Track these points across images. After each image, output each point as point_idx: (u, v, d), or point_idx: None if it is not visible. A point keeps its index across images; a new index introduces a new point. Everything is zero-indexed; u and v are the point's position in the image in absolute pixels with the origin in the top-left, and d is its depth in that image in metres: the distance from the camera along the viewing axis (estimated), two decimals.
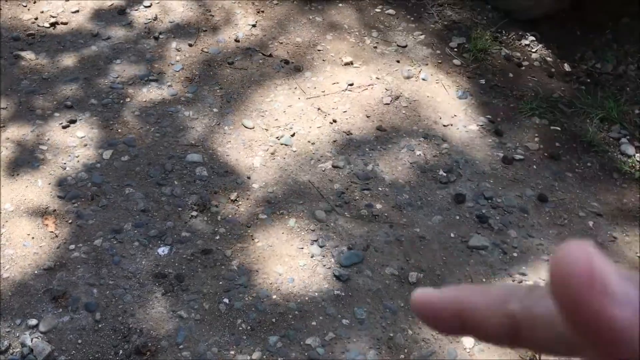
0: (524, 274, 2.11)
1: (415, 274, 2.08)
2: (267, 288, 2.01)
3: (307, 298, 2.00)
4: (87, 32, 2.88)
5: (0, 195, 2.19)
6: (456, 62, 2.89)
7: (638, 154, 2.55)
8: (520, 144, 2.56)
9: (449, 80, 2.80)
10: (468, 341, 1.93)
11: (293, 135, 2.51)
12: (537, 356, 1.90)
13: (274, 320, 1.93)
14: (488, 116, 2.65)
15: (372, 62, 2.85)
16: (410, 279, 2.07)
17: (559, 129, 2.64)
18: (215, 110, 2.59)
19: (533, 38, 3.05)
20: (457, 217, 2.27)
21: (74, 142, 2.39)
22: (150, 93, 2.62)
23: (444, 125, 2.60)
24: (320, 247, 2.14)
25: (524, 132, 2.61)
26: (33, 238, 2.08)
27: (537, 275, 2.11)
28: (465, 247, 2.18)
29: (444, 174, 2.41)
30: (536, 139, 2.59)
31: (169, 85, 2.66)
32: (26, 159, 2.31)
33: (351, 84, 2.74)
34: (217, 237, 2.14)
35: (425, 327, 1.93)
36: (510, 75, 2.87)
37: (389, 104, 2.67)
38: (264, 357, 1.85)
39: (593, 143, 2.57)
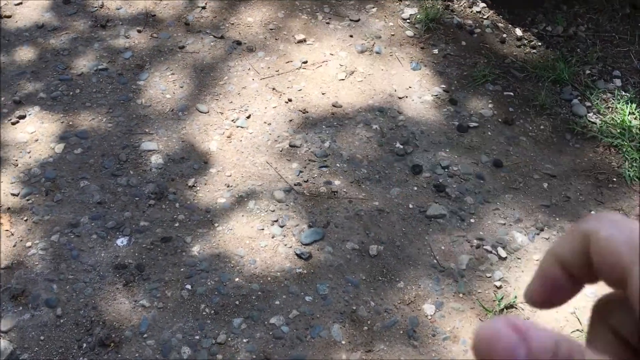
0: (481, 239, 2.15)
1: (375, 247, 2.10)
2: (229, 271, 2.02)
3: (269, 278, 2.01)
4: (32, 24, 2.80)
5: None
6: (409, 33, 2.89)
7: (589, 114, 2.59)
8: (474, 112, 2.58)
9: (402, 52, 2.80)
10: (429, 308, 1.97)
11: (249, 117, 2.49)
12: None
13: (237, 302, 1.95)
14: (442, 86, 2.67)
15: (325, 39, 2.84)
16: (371, 252, 2.09)
17: (512, 94, 2.67)
18: (168, 96, 2.56)
19: (484, 5, 3.07)
20: (415, 188, 2.30)
21: (24, 138, 2.35)
22: (101, 83, 2.58)
23: (399, 98, 2.61)
24: (281, 227, 2.15)
25: (477, 99, 2.64)
26: None
27: (495, 240, 2.15)
28: (424, 217, 2.21)
29: (401, 146, 2.43)
30: (490, 106, 2.61)
31: (119, 74, 2.62)
32: None
33: (305, 62, 2.72)
34: (177, 225, 2.13)
35: (387, 298, 1.97)
36: (463, 43, 2.88)
37: (344, 79, 2.67)
38: (229, 339, 1.86)
39: (545, 106, 2.60)
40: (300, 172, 2.32)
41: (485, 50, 2.85)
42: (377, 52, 2.79)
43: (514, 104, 2.63)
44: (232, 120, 2.48)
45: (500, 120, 2.56)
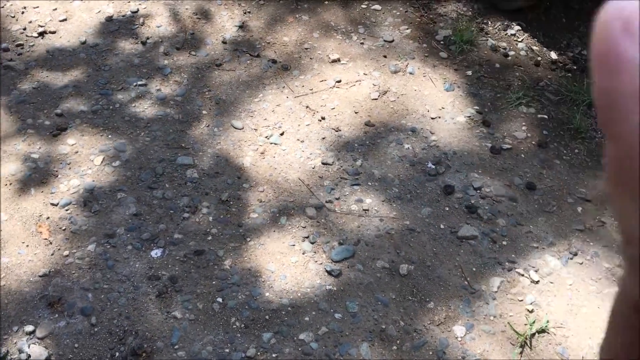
0: (513, 262, 2.13)
1: (406, 266, 2.10)
2: (260, 286, 2.04)
3: (299, 294, 2.03)
4: (75, 40, 2.90)
5: None
6: (443, 54, 2.91)
7: None
8: (508, 134, 2.58)
9: (435, 73, 2.82)
10: (459, 330, 1.95)
11: (282, 134, 2.53)
12: (529, 342, 1.93)
13: (267, 317, 1.96)
14: (475, 107, 2.67)
15: (359, 58, 2.87)
16: (401, 271, 2.09)
17: (546, 117, 2.66)
18: (204, 112, 2.61)
19: (519, 27, 3.07)
20: (447, 209, 2.29)
21: (65, 150, 2.42)
22: (140, 98, 2.65)
23: (432, 118, 2.62)
24: (312, 243, 2.16)
25: (511, 121, 2.63)
26: (27, 246, 2.11)
27: (527, 263, 2.13)
28: (455, 238, 2.20)
29: (433, 167, 2.43)
30: (524, 128, 2.60)
31: (157, 90, 2.69)
32: (18, 168, 2.34)
33: (339, 81, 2.76)
34: (209, 238, 2.17)
35: (417, 318, 1.96)
36: (497, 65, 2.89)
37: (376, 99, 2.69)
38: (258, 353, 1.87)
39: (580, 130, 2.58)
40: (332, 189, 2.34)
41: (519, 73, 2.85)
42: (411, 73, 2.81)
43: (548, 126, 2.62)
44: (266, 137, 2.51)
45: (534, 142, 2.55)
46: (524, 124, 2.62)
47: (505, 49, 2.97)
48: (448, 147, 2.51)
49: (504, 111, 2.67)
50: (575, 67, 2.91)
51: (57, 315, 1.94)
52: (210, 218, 2.23)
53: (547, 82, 2.81)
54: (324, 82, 2.76)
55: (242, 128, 2.55)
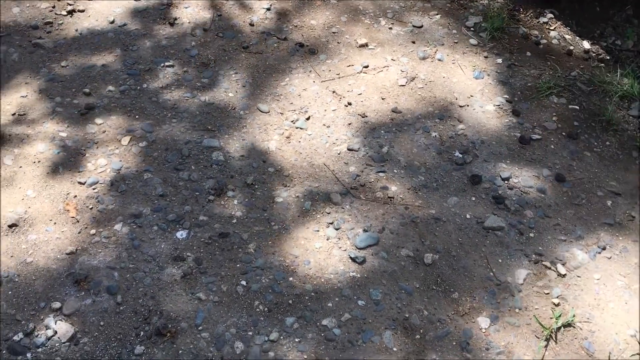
0: (540, 255, 2.10)
1: (430, 255, 2.09)
2: (284, 270, 2.04)
3: (323, 280, 2.02)
4: (103, 19, 2.90)
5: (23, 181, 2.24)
6: (473, 41, 2.86)
7: None
8: (537, 124, 2.53)
9: (465, 60, 2.77)
10: (484, 321, 1.93)
11: (308, 118, 2.51)
12: (554, 336, 1.91)
13: (290, 301, 1.96)
14: (505, 96, 2.63)
15: (387, 44, 2.83)
16: (426, 261, 2.08)
17: (577, 107, 2.60)
18: (230, 94, 2.60)
19: (551, 15, 3.00)
20: (473, 199, 2.27)
21: (92, 129, 2.43)
22: (167, 79, 2.65)
23: (460, 106, 2.58)
24: (336, 229, 2.15)
25: (541, 111, 2.58)
26: (55, 223, 2.13)
27: (554, 256, 2.10)
28: (481, 228, 2.17)
29: (460, 155, 2.40)
30: (554, 119, 2.56)
31: (184, 71, 2.68)
32: (47, 146, 2.36)
33: (366, 66, 2.73)
34: (234, 221, 2.17)
35: (441, 308, 1.95)
36: (528, 54, 2.83)
37: (404, 85, 2.66)
38: (281, 337, 1.88)
39: (612, 121, 2.53)
40: (357, 176, 2.32)
41: (550, 62, 2.79)
42: (439, 59, 2.77)
43: (579, 118, 2.57)
44: (292, 121, 2.50)
45: (564, 133, 2.50)
46: (554, 114, 2.57)
47: (537, 37, 2.91)
48: (476, 136, 2.47)
49: (534, 101, 2.62)
50: (608, 57, 2.84)
51: (83, 293, 1.96)
52: (235, 201, 2.23)
53: (579, 72, 2.75)
54: (351, 67, 2.73)
55: (268, 112, 2.54)
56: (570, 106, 2.61)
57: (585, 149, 2.46)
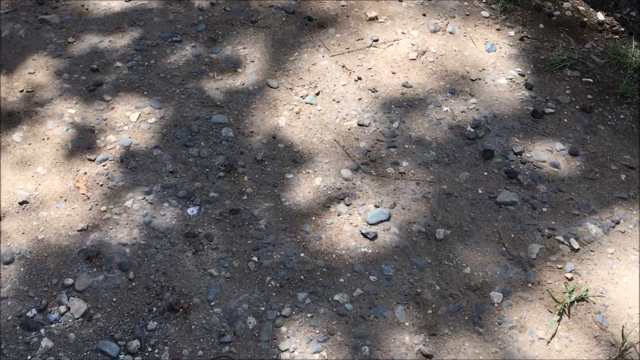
0: (553, 229, 2.09)
1: (442, 231, 2.07)
2: (295, 246, 2.03)
3: (334, 255, 2.02)
4: None
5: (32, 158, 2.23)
6: (484, 13, 2.81)
7: None
8: (551, 97, 2.49)
9: (477, 33, 2.73)
10: (496, 296, 1.93)
11: (318, 94, 2.49)
12: (567, 310, 1.90)
13: (302, 277, 1.96)
14: (518, 69, 2.59)
15: (397, 17, 2.79)
16: (438, 236, 2.06)
17: (591, 80, 2.56)
18: (239, 70, 2.58)
19: None
20: (485, 173, 2.24)
21: (101, 106, 2.42)
22: (175, 54, 2.62)
23: (472, 80, 2.54)
24: (347, 205, 2.14)
25: (555, 84, 2.54)
26: (66, 200, 2.13)
27: (567, 230, 2.09)
28: (494, 203, 2.16)
29: (472, 130, 2.37)
30: (567, 92, 2.52)
31: (192, 46, 2.65)
32: (55, 123, 2.35)
33: (376, 40, 2.69)
34: (245, 197, 2.16)
35: (453, 283, 1.94)
36: (541, 26, 2.78)
37: (415, 59, 2.62)
38: (293, 313, 1.88)
39: (626, 94, 2.49)
40: (368, 151, 2.30)
41: (564, 34, 2.74)
42: (451, 32, 2.72)
43: (593, 91, 2.53)
44: (301, 97, 2.47)
45: (578, 107, 2.46)
46: (567, 87, 2.53)
47: (550, 8, 2.85)
48: (488, 110, 2.44)
49: (548, 74, 2.58)
50: (623, 29, 2.78)
51: (95, 269, 1.96)
52: (246, 177, 2.22)
53: (593, 44, 2.70)
54: (360, 41, 2.69)
55: (277, 87, 2.51)
56: (584, 79, 2.56)
57: (599, 123, 2.42)
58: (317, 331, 1.85)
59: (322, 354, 1.80)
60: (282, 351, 1.80)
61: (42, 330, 1.83)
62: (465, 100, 2.47)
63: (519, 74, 2.56)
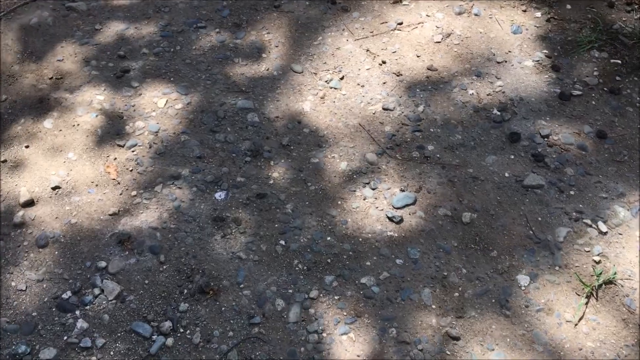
0: (581, 212, 2.08)
1: (468, 214, 2.08)
2: (322, 230, 2.06)
3: (360, 239, 2.04)
4: None
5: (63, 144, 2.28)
6: None
7: None
8: (578, 79, 2.47)
9: (502, 14, 2.70)
10: (523, 279, 1.93)
11: (342, 78, 2.49)
12: (595, 293, 1.90)
13: (329, 260, 1.98)
14: (544, 51, 2.56)
15: None
16: (464, 219, 2.07)
17: (619, 62, 2.52)
18: (263, 55, 2.59)
19: None
20: (512, 157, 2.24)
21: (128, 92, 2.45)
22: (200, 40, 2.64)
23: (498, 62, 2.52)
24: (373, 189, 2.15)
25: (582, 66, 2.51)
26: (97, 185, 2.17)
27: (595, 213, 2.08)
28: (520, 187, 2.15)
29: (498, 113, 2.36)
30: (595, 74, 2.49)
31: (217, 32, 2.67)
32: (85, 110, 2.39)
33: (400, 23, 2.68)
34: (271, 182, 2.18)
35: (479, 266, 1.95)
36: (568, 6, 2.74)
37: (440, 42, 2.61)
38: (321, 295, 1.91)
39: None
40: (393, 135, 2.31)
41: (591, 15, 2.70)
42: (476, 14, 2.70)
43: (622, 72, 2.49)
44: (326, 81, 2.48)
45: (605, 89, 2.43)
46: (595, 69, 2.50)
47: None
48: (514, 92, 2.42)
49: (575, 55, 2.55)
50: None
51: (127, 252, 2.01)
52: (272, 162, 2.24)
53: (622, 25, 2.66)
54: (384, 24, 2.68)
55: (302, 72, 2.52)
56: (612, 60, 2.53)
57: (627, 105, 2.39)
58: (345, 313, 1.87)
59: (350, 336, 1.83)
60: (310, 332, 1.83)
61: (77, 312, 1.88)
62: (491, 82, 2.46)
63: (546, 56, 2.54)
